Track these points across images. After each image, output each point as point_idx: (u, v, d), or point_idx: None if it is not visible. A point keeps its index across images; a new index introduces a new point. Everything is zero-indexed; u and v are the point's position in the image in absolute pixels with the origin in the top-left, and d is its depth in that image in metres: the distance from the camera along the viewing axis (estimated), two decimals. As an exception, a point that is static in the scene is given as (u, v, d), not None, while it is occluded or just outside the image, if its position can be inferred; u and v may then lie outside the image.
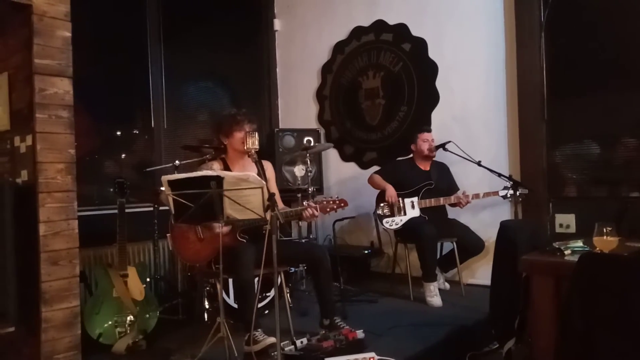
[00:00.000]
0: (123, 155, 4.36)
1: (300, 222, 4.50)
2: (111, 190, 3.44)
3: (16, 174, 2.60)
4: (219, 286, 2.91)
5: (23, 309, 2.48)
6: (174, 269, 3.98)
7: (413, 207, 3.91)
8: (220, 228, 2.68)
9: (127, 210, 3.22)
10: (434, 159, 4.06)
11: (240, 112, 3.11)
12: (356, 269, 4.50)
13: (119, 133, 4.37)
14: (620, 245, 2.07)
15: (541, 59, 3.91)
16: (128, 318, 3.06)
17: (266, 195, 2.45)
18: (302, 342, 2.70)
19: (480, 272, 4.12)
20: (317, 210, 2.91)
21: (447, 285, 4.08)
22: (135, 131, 4.51)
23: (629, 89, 3.58)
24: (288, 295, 3.45)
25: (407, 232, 3.90)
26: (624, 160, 3.67)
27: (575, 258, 2.00)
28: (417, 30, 4.57)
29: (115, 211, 3.19)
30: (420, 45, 4.54)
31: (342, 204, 2.97)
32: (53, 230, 2.49)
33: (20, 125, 2.58)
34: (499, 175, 3.78)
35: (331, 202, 2.96)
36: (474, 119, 4.26)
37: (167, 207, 2.69)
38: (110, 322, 3.03)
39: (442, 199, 3.89)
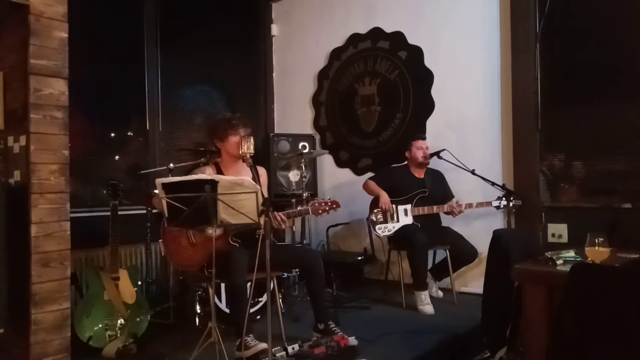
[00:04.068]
0: (117, 157, 4.34)
1: (293, 227, 4.49)
2: (104, 192, 3.41)
3: (9, 174, 2.59)
4: (211, 290, 2.89)
5: (13, 310, 2.47)
6: (166, 273, 3.95)
7: (406, 214, 3.92)
8: (214, 232, 2.67)
9: (119, 213, 3.20)
10: (428, 166, 4.07)
11: (235, 116, 3.10)
12: (349, 275, 4.48)
13: (113, 135, 4.35)
14: (612, 256, 2.07)
15: (536, 68, 3.93)
16: (119, 321, 3.04)
17: (260, 200, 2.45)
18: (293, 348, 2.70)
19: (472, 281, 4.12)
20: (285, 217, 2.91)
21: (440, 293, 4.08)
22: (130, 133, 4.49)
23: (623, 99, 3.61)
24: (280, 300, 3.44)
25: (399, 239, 3.90)
26: (617, 170, 3.69)
27: (567, 268, 2.00)
28: (414, 38, 4.59)
29: (108, 213, 3.17)
30: (416, 53, 4.57)
31: (334, 206, 2.97)
32: (45, 232, 2.48)
33: (14, 125, 2.57)
34: (492, 184, 3.79)
35: (323, 203, 2.96)
36: (468, 128, 4.27)
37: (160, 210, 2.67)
38: (100, 325, 3.01)
39: (435, 207, 3.90)
